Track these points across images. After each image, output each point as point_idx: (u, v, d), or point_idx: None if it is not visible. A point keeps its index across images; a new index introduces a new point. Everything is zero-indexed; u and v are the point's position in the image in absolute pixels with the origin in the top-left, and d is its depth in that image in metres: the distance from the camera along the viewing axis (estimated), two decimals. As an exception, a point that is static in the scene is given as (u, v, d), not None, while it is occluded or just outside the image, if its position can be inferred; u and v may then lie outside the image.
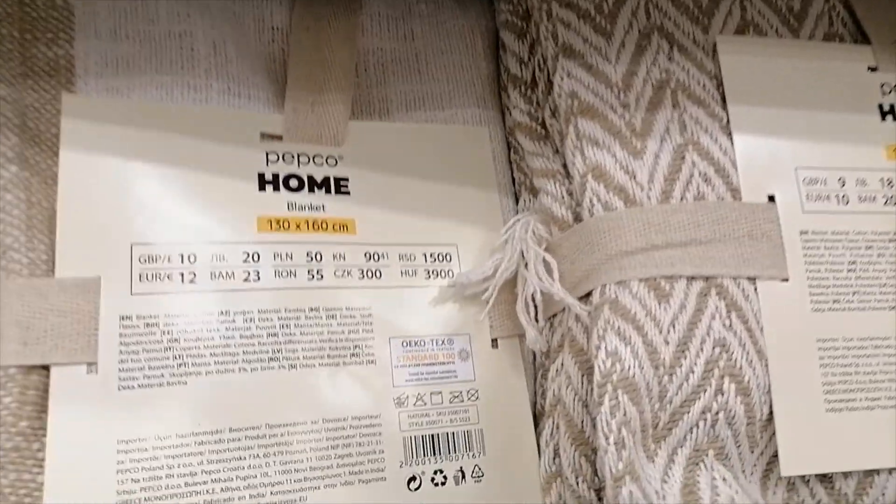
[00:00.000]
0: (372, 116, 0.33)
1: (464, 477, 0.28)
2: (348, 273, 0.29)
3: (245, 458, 0.25)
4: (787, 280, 0.28)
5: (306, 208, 0.29)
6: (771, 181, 0.30)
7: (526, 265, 0.30)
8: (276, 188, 0.29)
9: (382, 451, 0.27)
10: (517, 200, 0.34)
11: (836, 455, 0.28)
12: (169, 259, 0.27)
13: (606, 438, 0.24)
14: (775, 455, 0.27)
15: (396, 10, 0.35)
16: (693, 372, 0.26)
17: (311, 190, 0.30)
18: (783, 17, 0.34)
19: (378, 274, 0.29)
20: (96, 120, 0.27)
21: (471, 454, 0.28)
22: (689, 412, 0.26)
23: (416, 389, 0.28)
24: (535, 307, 0.30)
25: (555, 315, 0.30)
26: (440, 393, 0.29)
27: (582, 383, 0.28)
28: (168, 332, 0.26)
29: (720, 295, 0.27)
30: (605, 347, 0.26)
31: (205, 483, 0.25)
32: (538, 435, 0.30)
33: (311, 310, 0.28)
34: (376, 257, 0.30)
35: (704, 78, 0.31)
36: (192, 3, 0.31)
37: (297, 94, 0.31)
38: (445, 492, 0.28)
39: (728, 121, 0.30)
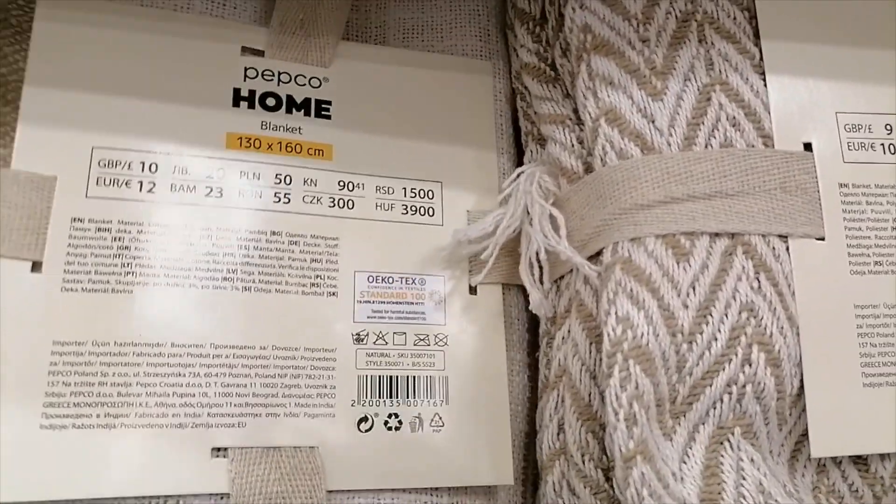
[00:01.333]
0: (366, 42, 0.31)
1: (421, 425, 0.26)
2: (318, 200, 0.28)
3: (184, 374, 0.24)
4: (822, 239, 0.25)
5: (281, 129, 0.28)
6: (808, 127, 0.26)
7: (531, 221, 0.27)
8: (252, 105, 0.28)
9: (334, 388, 0.26)
10: (521, 152, 0.31)
11: (873, 435, 0.25)
12: (129, 165, 0.26)
13: (616, 414, 0.21)
14: (804, 434, 0.25)
15: None
16: (716, 339, 0.23)
17: (288, 111, 0.28)
18: (825, -56, 0.30)
19: (350, 204, 0.28)
20: (71, 16, 0.27)
21: (431, 402, 0.27)
22: (711, 385, 0.23)
23: (377, 327, 0.27)
24: (540, 268, 0.27)
25: (562, 277, 0.28)
26: (404, 334, 0.27)
27: (590, 352, 0.25)
28: (119, 239, 0.25)
29: (747, 254, 0.24)
30: (616, 312, 0.23)
31: (138, 395, 0.24)
32: (540, 407, 0.27)
33: (273, 233, 0.27)
34: (350, 187, 0.28)
35: (735, 9, 0.28)
36: None
37: (287, 7, 0.29)
38: (399, 437, 0.26)
39: (761, 58, 0.27)
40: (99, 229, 0.25)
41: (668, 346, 0.23)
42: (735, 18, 0.27)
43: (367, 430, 0.26)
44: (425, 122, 0.30)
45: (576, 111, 0.28)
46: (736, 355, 0.23)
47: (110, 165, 0.25)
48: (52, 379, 0.23)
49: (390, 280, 0.27)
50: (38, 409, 0.22)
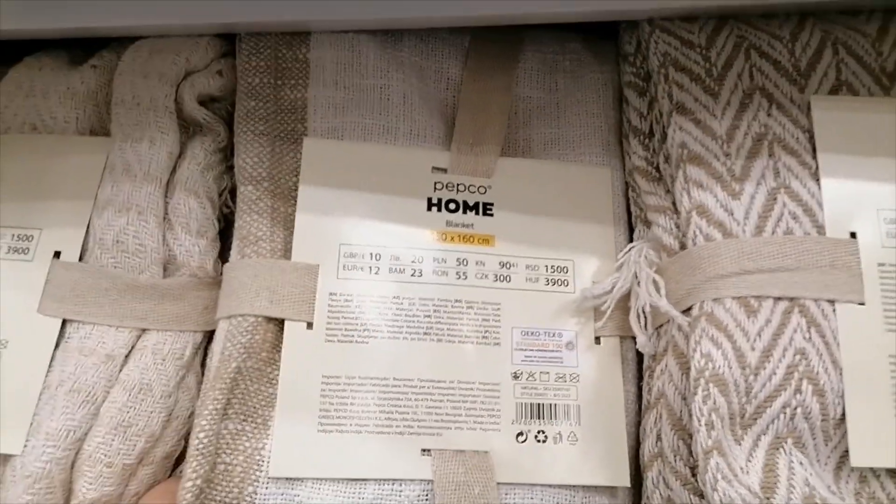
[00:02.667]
0: (516, 153, 0.41)
1: (561, 438, 0.36)
2: (485, 276, 0.38)
3: (401, 399, 0.35)
4: (863, 304, 0.34)
5: (460, 225, 0.39)
6: (853, 220, 0.35)
7: (639, 283, 0.36)
8: (439, 210, 0.39)
9: (499, 411, 0.36)
10: (632, 231, 0.40)
11: (904, 453, 0.32)
12: (363, 256, 0.37)
13: (699, 420, 0.31)
14: (847, 451, 0.33)
15: (546, 66, 0.43)
16: (775, 374, 0.32)
17: (464, 212, 0.39)
18: (876, 78, 0.38)
19: (508, 279, 0.38)
20: (322, 155, 0.38)
21: (568, 422, 0.36)
22: (771, 406, 0.32)
23: (529, 367, 0.37)
24: (646, 318, 0.36)
25: (661, 325, 0.37)
26: (548, 373, 0.37)
27: (682, 380, 0.34)
28: (359, 306, 0.36)
29: (802, 313, 0.33)
30: (701, 350, 0.32)
31: (374, 412, 0.34)
32: (643, 423, 0.36)
33: (457, 301, 0.37)
34: (508, 266, 0.38)
35: (798, 132, 0.37)
36: (391, 60, 0.41)
37: (462, 136, 0.40)
38: (545, 448, 0.35)
39: (817, 168, 0.36)
40: (346, 299, 0.36)
41: (739, 376, 0.32)
42: (798, 139, 0.36)
43: (522, 442, 0.36)
44: (561, 215, 0.40)
45: (674, 203, 0.37)
46: (790, 385, 0.32)
47: (351, 256, 0.37)
48: (323, 400, 0.34)
49: (537, 334, 0.37)
50: (315, 419, 0.34)
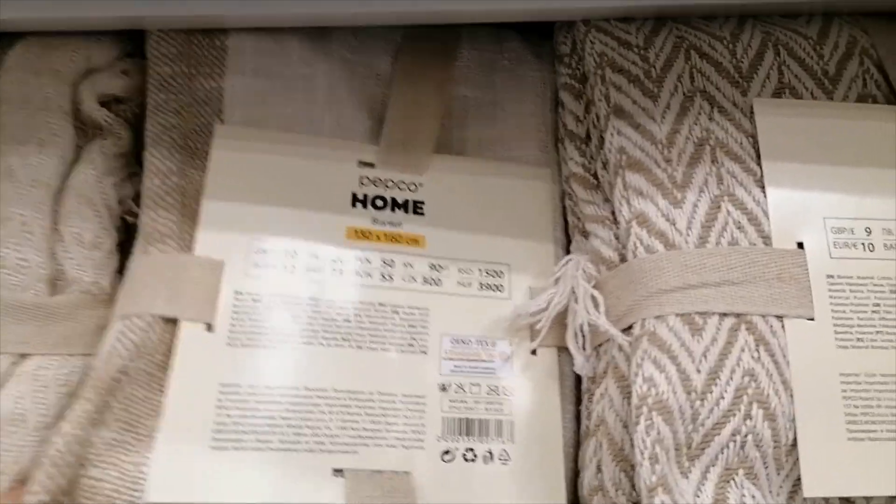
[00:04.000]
0: (450, 152, 0.39)
1: (492, 458, 0.32)
2: (413, 279, 0.34)
3: (314, 412, 0.31)
4: (812, 319, 0.31)
5: (386, 224, 0.35)
6: (800, 229, 0.33)
7: (576, 300, 0.33)
8: (365, 206, 0.35)
9: (424, 426, 0.32)
10: (569, 241, 0.37)
11: (858, 480, 0.30)
12: (276, 253, 0.33)
13: (641, 454, 0.27)
14: (799, 478, 0.30)
15: (483, 65, 0.41)
16: (723, 398, 0.29)
17: (392, 209, 0.36)
18: (818, 81, 0.37)
19: (438, 282, 0.35)
20: (237, 143, 0.35)
21: (500, 440, 0.33)
22: (720, 434, 0.29)
23: (458, 379, 0.33)
24: (584, 337, 0.33)
25: (600, 345, 0.34)
26: (479, 385, 0.33)
27: (623, 406, 0.31)
28: (268, 308, 0.32)
29: (749, 330, 0.30)
30: (643, 374, 0.29)
31: (280, 426, 0.30)
32: (582, 452, 0.33)
33: (381, 304, 0.34)
34: (438, 268, 0.35)
35: (741, 136, 0.34)
36: (317, 50, 0.37)
37: (392, 132, 0.37)
38: (474, 467, 0.32)
39: (762, 175, 0.33)
40: (254, 299, 0.32)
41: (685, 401, 0.29)
42: (741, 143, 0.34)
43: (449, 461, 0.32)
44: (497, 217, 0.37)
45: (613, 213, 0.35)
46: (739, 411, 0.29)
47: (262, 252, 0.33)
48: (219, 411, 0.30)
49: (468, 342, 0.34)
50: (209, 434, 0.30)
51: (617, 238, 0.34)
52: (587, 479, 0.32)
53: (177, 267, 0.32)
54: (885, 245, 0.33)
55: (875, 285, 0.32)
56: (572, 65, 0.38)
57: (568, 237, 0.38)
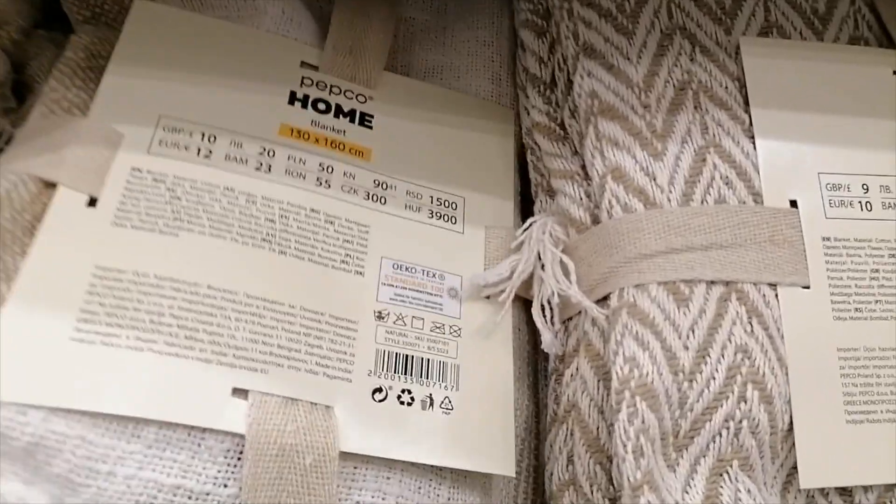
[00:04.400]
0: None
1: (432, 404, 0.28)
2: (355, 191, 0.30)
3: (216, 315, 0.25)
4: (808, 287, 0.28)
5: (329, 129, 0.31)
6: (793, 186, 0.29)
7: (542, 267, 0.29)
8: (304, 106, 0.31)
9: (353, 356, 0.27)
10: (533, 202, 0.33)
11: (856, 468, 0.27)
12: (191, 134, 0.28)
13: (624, 446, 0.23)
14: (794, 466, 0.27)
15: None
16: (714, 378, 0.26)
17: (336, 115, 0.31)
18: (807, 20, 0.33)
19: (383, 200, 0.31)
20: (160, 17, 0.30)
21: (443, 385, 0.28)
22: (711, 420, 0.25)
23: (398, 309, 0.29)
24: (552, 310, 0.29)
25: (570, 319, 0.30)
26: (422, 319, 0.29)
27: (598, 388, 0.27)
28: (172, 191, 0.27)
29: (741, 300, 0.27)
30: (623, 353, 0.25)
31: (170, 326, 0.25)
32: (550, 440, 0.29)
33: (313, 210, 0.29)
34: (384, 186, 0.31)
35: (727, 80, 0.30)
36: None
37: (338, 36, 0.33)
38: (410, 412, 0.27)
39: (751, 124, 0.30)
40: (155, 179, 0.27)
41: (671, 384, 0.25)
42: (727, 88, 0.30)
43: (380, 401, 0.27)
44: (453, 147, 0.33)
45: (584, 167, 0.30)
46: (732, 393, 0.26)
47: (173, 131, 0.28)
48: (89, 298, 0.24)
49: (413, 270, 0.30)
50: (71, 323, 0.24)
51: (588, 196, 0.30)
52: (556, 471, 0.28)
53: (67, 131, 0.27)
54: (882, 204, 0.29)
55: (873, 248, 0.29)
56: (534, -1, 0.33)
57: (526, 197, 0.34)
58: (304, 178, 0.29)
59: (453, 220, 0.31)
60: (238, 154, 0.29)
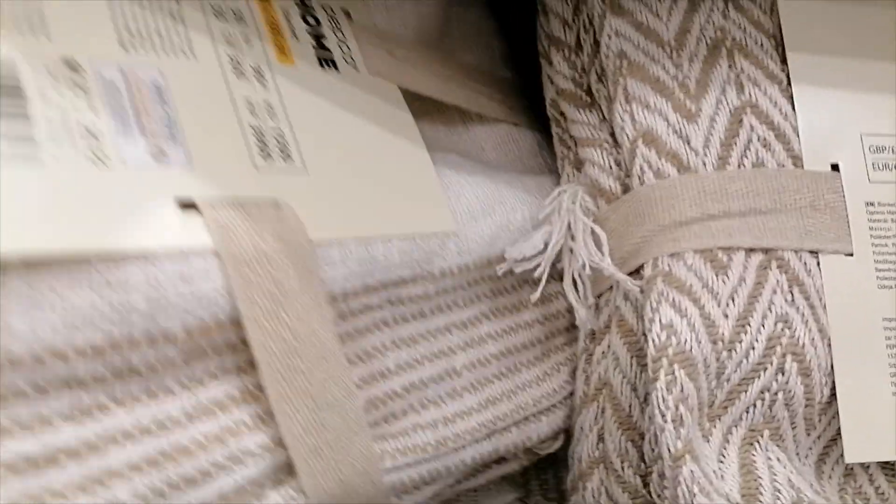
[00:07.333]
0: None
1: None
2: None
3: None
4: (851, 255, 0.29)
5: None
6: (834, 148, 0.30)
7: (573, 238, 0.30)
8: None
9: None
10: (559, 177, 0.34)
11: (903, 441, 0.28)
12: None
13: (663, 416, 0.25)
14: (833, 439, 0.28)
15: None
16: (754, 349, 0.27)
17: None
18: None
19: None
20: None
21: None
22: (747, 391, 0.27)
23: None
24: (584, 284, 0.30)
25: (600, 295, 0.31)
26: None
27: (631, 365, 0.28)
28: None
29: (781, 268, 0.28)
30: (660, 320, 0.26)
31: None
32: (579, 420, 0.30)
33: None
34: None
35: (762, 37, 0.31)
36: None
37: None
38: None
39: (788, 83, 0.31)
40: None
41: (710, 352, 0.26)
42: (762, 45, 0.31)
43: None
44: None
45: (612, 134, 0.32)
46: (771, 364, 0.27)
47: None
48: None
49: None
50: None
51: (618, 164, 0.31)
52: (586, 450, 0.29)
53: None
54: (930, 166, 0.31)
55: (919, 213, 0.30)
56: (557, -44, 0.35)
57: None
58: None
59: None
60: None
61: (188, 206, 0.22)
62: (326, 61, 0.30)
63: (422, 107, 0.33)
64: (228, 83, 0.26)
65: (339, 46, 0.31)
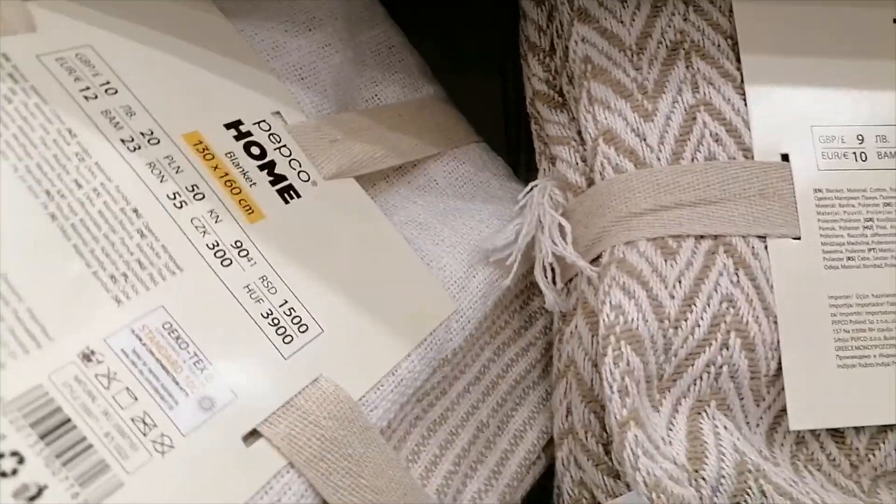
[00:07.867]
0: None
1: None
2: None
3: None
4: (798, 238, 0.32)
5: None
6: (785, 140, 0.33)
7: (542, 229, 0.34)
8: None
9: None
10: (537, 170, 0.38)
11: (848, 410, 0.31)
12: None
13: (611, 387, 0.28)
14: (783, 409, 0.31)
15: None
16: (699, 326, 0.30)
17: None
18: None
19: None
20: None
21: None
22: (693, 365, 0.30)
23: None
24: (552, 271, 0.34)
25: (570, 280, 0.34)
26: None
27: (592, 343, 0.32)
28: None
29: (728, 252, 0.31)
30: (610, 301, 0.30)
31: None
32: (553, 396, 0.34)
33: None
34: None
35: (719, 37, 0.34)
36: None
37: None
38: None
39: (742, 81, 0.34)
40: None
41: (656, 330, 0.30)
42: (719, 46, 0.34)
43: None
44: None
45: (580, 133, 0.35)
46: (715, 340, 0.30)
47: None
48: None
49: None
50: None
51: (584, 160, 0.34)
52: (557, 422, 0.33)
53: None
54: (878, 153, 0.33)
55: (867, 198, 0.33)
56: (532, -33, 0.38)
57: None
58: None
59: None
60: None
61: (250, 435, 0.24)
62: (287, 192, 0.29)
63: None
64: (223, 279, 0.26)
65: (290, 164, 0.30)
